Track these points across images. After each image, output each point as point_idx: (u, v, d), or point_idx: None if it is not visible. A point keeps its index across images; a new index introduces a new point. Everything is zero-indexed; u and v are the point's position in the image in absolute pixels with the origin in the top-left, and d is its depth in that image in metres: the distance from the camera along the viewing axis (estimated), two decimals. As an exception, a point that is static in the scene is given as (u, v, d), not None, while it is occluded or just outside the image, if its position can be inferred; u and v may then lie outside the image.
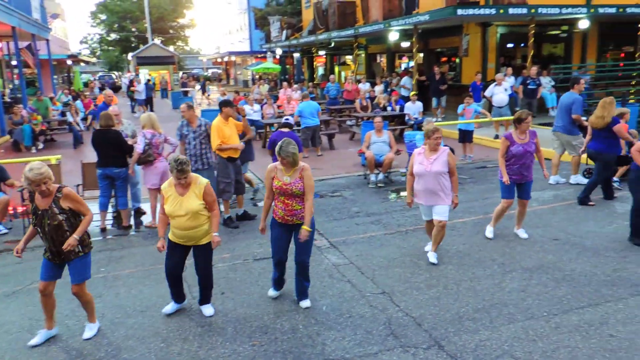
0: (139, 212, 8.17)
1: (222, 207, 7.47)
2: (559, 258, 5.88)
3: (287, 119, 8.39)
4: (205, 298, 4.91)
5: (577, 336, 4.30)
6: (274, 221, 4.86)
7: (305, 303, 4.95)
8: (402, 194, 9.05)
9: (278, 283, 5.15)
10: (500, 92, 13.39)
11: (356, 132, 14.61)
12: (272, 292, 5.19)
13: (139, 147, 7.22)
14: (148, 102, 24.36)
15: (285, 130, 8.00)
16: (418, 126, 13.17)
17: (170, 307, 4.91)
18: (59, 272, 4.42)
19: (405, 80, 18.29)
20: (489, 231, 6.66)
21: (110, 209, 7.74)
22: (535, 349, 4.14)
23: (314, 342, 4.35)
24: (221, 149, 7.21)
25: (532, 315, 4.67)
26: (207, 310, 4.87)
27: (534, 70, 14.90)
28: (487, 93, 14.11)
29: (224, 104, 7.40)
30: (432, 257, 5.90)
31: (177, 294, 4.89)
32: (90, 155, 7.50)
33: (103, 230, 7.41)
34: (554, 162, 9.33)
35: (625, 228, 6.64)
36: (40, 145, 15.01)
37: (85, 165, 7.92)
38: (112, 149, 7.16)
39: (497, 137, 13.00)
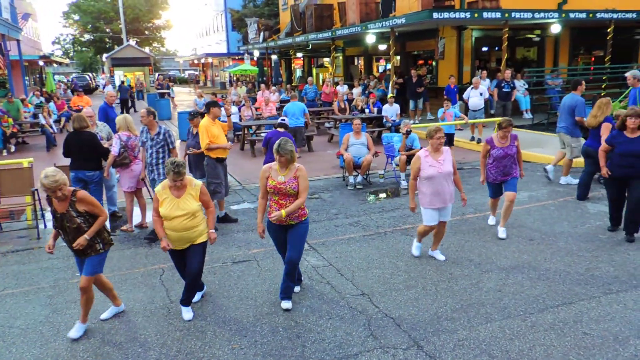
0: (114, 216, 8.03)
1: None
2: (534, 258, 5.99)
3: (282, 120, 8.74)
4: (188, 298, 4.85)
5: (552, 334, 4.39)
6: (269, 223, 4.85)
7: (286, 304, 4.92)
8: (381, 195, 9.12)
9: (287, 291, 5.02)
10: (475, 95, 13.54)
11: (334, 134, 14.66)
12: (286, 304, 4.96)
13: (114, 150, 7.10)
14: (123, 104, 24.21)
15: (281, 130, 8.39)
16: (396, 128, 13.28)
17: (187, 312, 4.87)
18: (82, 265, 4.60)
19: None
20: (491, 219, 7.20)
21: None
22: (512, 348, 4.21)
23: (294, 345, 4.33)
24: (210, 148, 7.26)
25: (509, 314, 4.75)
26: (187, 314, 4.82)
27: (508, 73, 15.15)
28: (464, 95, 14.29)
29: (211, 104, 7.48)
30: (439, 255, 6.09)
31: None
32: (63, 158, 7.33)
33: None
34: (565, 162, 9.34)
35: (597, 228, 6.81)
36: (12, 148, 14.64)
37: (59, 168, 7.72)
38: (86, 151, 7.03)
39: (473, 139, 13.16)
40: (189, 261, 4.70)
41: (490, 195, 6.98)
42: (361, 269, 5.86)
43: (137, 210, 7.62)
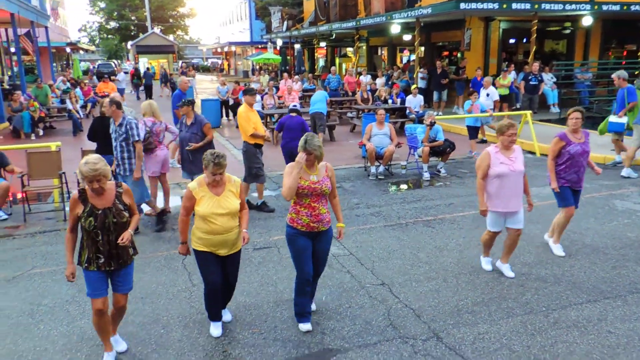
0: (138, 200, 8.15)
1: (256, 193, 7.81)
2: (559, 254, 5.89)
3: (294, 105, 8.76)
4: (225, 303, 4.56)
5: (575, 332, 4.32)
6: (295, 232, 4.24)
7: (305, 326, 4.43)
8: (402, 186, 9.07)
9: (305, 314, 4.42)
10: (482, 96, 13.03)
11: (357, 124, 14.60)
12: (305, 326, 4.40)
13: (139, 135, 7.17)
14: (148, 90, 24.73)
15: (294, 115, 8.48)
16: (419, 119, 13.16)
17: (217, 329, 4.37)
18: (107, 282, 3.91)
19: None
20: (557, 249, 5.94)
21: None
22: (534, 343, 4.16)
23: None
24: (255, 135, 7.44)
25: (531, 309, 4.69)
26: (225, 316, 4.55)
27: (535, 66, 14.87)
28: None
29: (246, 91, 7.67)
30: (508, 270, 5.38)
31: (218, 311, 4.39)
32: (90, 142, 7.45)
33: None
34: (629, 154, 9.27)
35: (624, 226, 6.67)
36: (41, 132, 14.96)
37: (86, 152, 7.87)
38: (111, 137, 7.12)
39: (484, 141, 12.58)
40: (230, 271, 4.29)
41: (563, 204, 5.75)
42: (381, 259, 5.85)
43: (160, 195, 7.72)
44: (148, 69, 30.30)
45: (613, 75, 9.98)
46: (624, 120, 9.66)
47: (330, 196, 4.37)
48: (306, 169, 4.21)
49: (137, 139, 6.49)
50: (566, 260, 5.70)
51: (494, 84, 15.38)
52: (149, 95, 25.88)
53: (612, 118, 9.91)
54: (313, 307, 4.63)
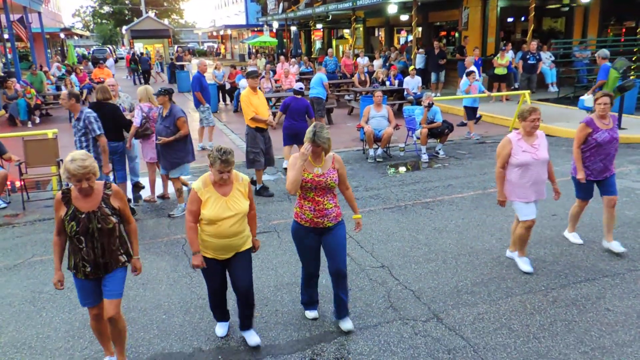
0: (137, 187, 8.15)
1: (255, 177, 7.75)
2: (557, 233, 5.91)
3: (300, 87, 8.74)
4: (246, 320, 4.00)
5: (574, 310, 4.36)
6: (299, 227, 4.04)
7: (347, 324, 4.13)
8: (401, 168, 9.06)
9: (312, 302, 4.39)
10: (443, 77, 12.85)
11: (354, 106, 14.53)
12: (311, 314, 4.38)
13: (136, 121, 7.15)
14: (145, 75, 24.84)
15: (298, 96, 8.52)
16: (417, 101, 13.09)
17: (222, 328, 4.17)
18: (99, 289, 3.56)
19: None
20: (574, 237, 5.72)
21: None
22: (533, 322, 4.20)
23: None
24: (255, 119, 7.41)
25: (530, 289, 4.72)
26: (253, 338, 3.98)
27: (534, 44, 14.75)
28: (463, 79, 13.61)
29: (249, 74, 7.65)
30: (526, 265, 5.07)
31: (224, 313, 4.16)
32: (87, 129, 7.40)
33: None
34: None
35: (623, 204, 6.68)
36: (37, 120, 14.88)
37: (83, 139, 7.84)
38: (109, 123, 7.07)
39: (463, 124, 12.33)
40: (237, 274, 3.84)
41: (580, 196, 5.51)
42: (381, 241, 5.87)
43: (159, 181, 7.72)
44: (142, 53, 30.27)
45: (597, 54, 10.03)
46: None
47: (342, 188, 4.10)
48: (311, 161, 3.92)
49: (97, 133, 6.16)
50: (564, 240, 5.72)
51: (492, 63, 15.32)
52: (146, 80, 26.10)
53: (584, 96, 10.01)
54: (349, 325, 4.13)
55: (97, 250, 3.40)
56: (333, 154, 4.04)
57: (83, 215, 3.35)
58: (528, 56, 14.65)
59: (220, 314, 4.14)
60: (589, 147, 5.24)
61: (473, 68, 12.38)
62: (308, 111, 8.52)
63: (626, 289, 4.68)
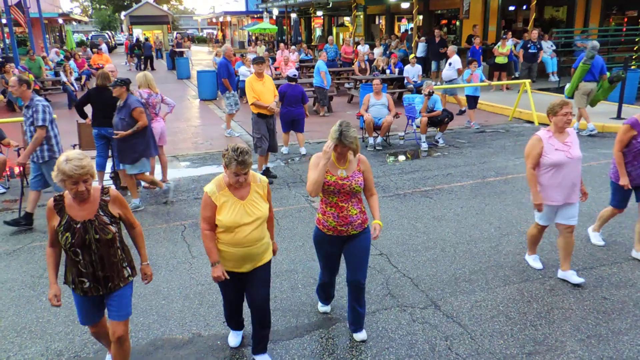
0: (136, 173, 8.14)
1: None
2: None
3: (294, 74, 8.79)
4: (261, 343, 3.62)
5: (571, 298, 4.39)
6: (321, 234, 3.72)
7: (361, 335, 3.89)
8: (400, 157, 9.05)
9: (327, 299, 4.23)
10: (446, 65, 12.80)
11: (354, 94, 14.48)
12: (322, 308, 4.28)
13: (135, 107, 7.10)
14: (147, 61, 26.40)
15: (293, 83, 8.61)
16: (417, 89, 13.05)
17: (236, 338, 3.88)
18: (102, 305, 3.28)
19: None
20: (595, 237, 5.44)
21: (108, 170, 7.71)
22: (530, 310, 4.23)
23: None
24: (256, 104, 7.43)
25: (528, 277, 4.75)
26: None
27: (535, 33, 14.67)
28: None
29: (254, 60, 7.63)
30: (574, 276, 4.58)
31: (238, 322, 3.86)
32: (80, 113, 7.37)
33: (101, 190, 7.37)
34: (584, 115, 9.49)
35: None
36: (34, 105, 14.81)
37: (81, 125, 7.82)
38: (109, 109, 7.05)
39: (460, 112, 12.41)
40: (255, 289, 3.46)
41: (615, 204, 5.10)
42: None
43: (158, 168, 7.71)
44: (147, 39, 30.42)
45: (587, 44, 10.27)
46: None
47: (367, 193, 3.74)
48: (335, 162, 3.57)
49: (40, 123, 5.72)
50: (563, 229, 5.74)
51: (493, 52, 15.25)
52: (150, 65, 26.69)
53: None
54: (363, 336, 3.90)
55: (95, 264, 3.05)
56: (359, 155, 3.65)
57: (78, 225, 3.00)
58: (529, 45, 14.57)
59: (235, 323, 3.83)
60: (632, 151, 4.78)
61: (455, 58, 12.38)
62: (303, 97, 8.68)
63: (623, 277, 4.71)
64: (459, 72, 12.42)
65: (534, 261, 4.96)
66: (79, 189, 2.94)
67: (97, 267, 3.07)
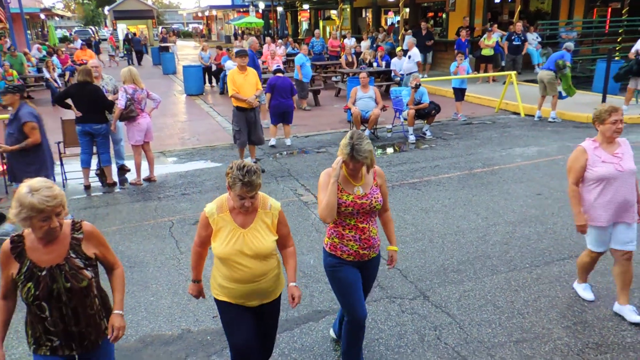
0: (123, 170, 8.08)
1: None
2: (542, 212, 5.99)
3: (278, 66, 9.05)
4: None
5: (557, 286, 4.44)
6: (339, 262, 3.15)
7: None
8: (388, 149, 9.08)
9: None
10: (406, 58, 12.92)
11: (342, 88, 14.46)
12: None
13: (120, 103, 7.05)
14: (138, 55, 27.07)
15: (280, 75, 8.85)
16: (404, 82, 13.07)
17: None
18: None
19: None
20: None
21: (94, 167, 7.64)
22: (517, 299, 4.27)
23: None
24: (235, 97, 7.48)
25: (515, 266, 4.79)
26: None
27: (519, 25, 14.76)
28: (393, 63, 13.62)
29: (237, 53, 7.73)
30: (633, 314, 3.91)
31: None
32: (69, 111, 7.28)
33: (87, 187, 7.31)
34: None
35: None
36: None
37: (65, 122, 7.72)
38: (91, 104, 6.97)
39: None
40: (265, 330, 3.05)
41: None
42: (368, 222, 5.89)
43: (145, 164, 7.64)
44: (135, 34, 30.43)
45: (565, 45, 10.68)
46: None
47: (382, 209, 3.23)
48: (348, 178, 3.08)
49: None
50: (549, 218, 5.80)
51: (479, 45, 15.31)
52: (138, 60, 26.72)
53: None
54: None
55: (68, 318, 2.44)
56: (374, 167, 3.15)
57: (44, 273, 2.37)
58: (513, 37, 14.67)
59: None
60: None
61: (414, 51, 12.48)
62: (292, 89, 8.94)
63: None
64: (419, 64, 12.67)
65: (583, 291, 4.28)
66: (52, 226, 2.32)
67: (71, 322, 2.45)
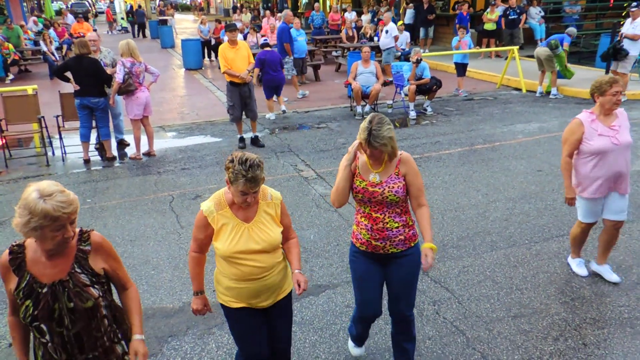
0: (122, 144, 8.04)
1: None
2: (542, 189, 5.99)
3: (265, 40, 9.17)
4: None
5: (556, 262, 4.47)
6: (356, 250, 3.01)
7: None
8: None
9: (361, 340, 3.34)
10: (383, 33, 12.71)
11: (342, 63, 14.31)
12: (355, 351, 3.39)
13: (118, 77, 6.96)
14: (140, 28, 27.50)
15: (268, 49, 8.85)
16: (405, 57, 12.91)
17: None
18: None
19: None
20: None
21: (93, 141, 7.60)
22: (516, 274, 4.30)
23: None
24: (228, 73, 7.45)
25: (514, 242, 4.81)
26: None
27: (513, 0, 14.58)
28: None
29: (226, 28, 7.75)
30: (609, 273, 4.15)
31: None
32: (68, 85, 7.21)
33: (87, 161, 7.29)
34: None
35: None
36: (11, 76, 14.45)
37: (64, 95, 7.65)
38: (89, 78, 6.89)
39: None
40: (277, 331, 2.82)
41: None
42: (368, 197, 5.89)
43: (144, 139, 7.60)
44: (140, 6, 30.19)
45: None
46: None
47: (413, 203, 2.91)
48: (368, 164, 2.85)
49: None
50: (549, 195, 5.81)
51: (482, 19, 15.09)
52: (142, 33, 27.73)
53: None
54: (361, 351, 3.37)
55: (70, 346, 2.12)
56: (401, 154, 2.86)
57: (45, 290, 2.06)
58: (508, 12, 14.50)
59: None
60: None
61: (391, 25, 12.30)
62: (281, 61, 9.06)
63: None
64: (396, 39, 12.53)
65: (577, 266, 4.30)
66: (66, 235, 2.01)
67: (73, 350, 2.13)
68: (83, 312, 2.10)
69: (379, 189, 2.80)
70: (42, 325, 2.06)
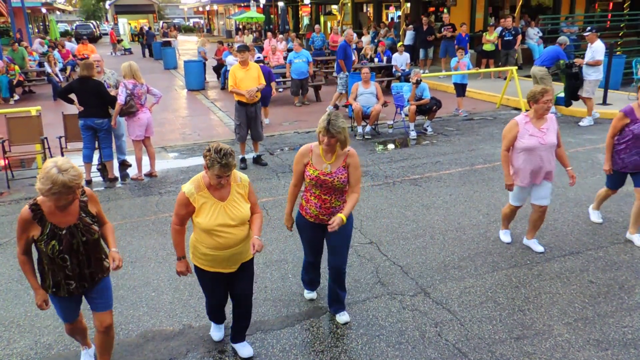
0: (124, 165, 8.07)
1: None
2: (543, 208, 5.98)
3: (258, 57, 9.74)
4: (241, 332, 3.67)
5: (558, 283, 4.45)
6: (304, 220, 3.81)
7: (343, 317, 3.98)
8: (389, 145, 9.07)
9: (312, 284, 4.28)
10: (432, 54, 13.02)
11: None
12: (308, 294, 4.32)
13: (120, 98, 7.03)
14: (150, 49, 28.37)
15: (261, 64, 9.09)
16: (405, 78, 13.03)
17: (219, 332, 3.83)
18: (81, 300, 3.31)
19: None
20: (595, 215, 5.64)
21: (95, 161, 7.64)
22: (518, 295, 4.28)
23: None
24: (234, 92, 7.56)
25: (516, 263, 4.80)
26: (246, 350, 3.63)
27: (508, 21, 14.79)
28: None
29: (237, 49, 7.82)
30: (536, 245, 5.03)
31: (222, 317, 3.81)
32: (71, 106, 7.28)
33: (89, 182, 7.32)
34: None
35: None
36: (16, 97, 14.57)
37: (67, 116, 7.72)
38: (93, 99, 6.96)
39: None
40: (240, 284, 3.48)
41: (609, 185, 5.32)
42: (369, 218, 5.90)
43: (146, 159, 7.64)
44: (150, 28, 31.27)
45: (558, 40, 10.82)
46: None
47: (349, 190, 3.66)
48: (322, 155, 3.57)
49: None
50: (550, 214, 5.79)
51: (480, 40, 15.26)
52: (150, 54, 28.34)
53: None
54: (346, 318, 4.00)
55: (82, 265, 3.07)
56: (349, 149, 3.59)
57: (64, 231, 2.95)
58: (504, 33, 14.68)
59: (219, 317, 3.79)
60: (625, 139, 4.92)
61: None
62: (270, 75, 9.36)
63: (609, 261, 4.77)
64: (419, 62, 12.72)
65: (504, 235, 5.27)
66: (74, 198, 2.91)
67: (84, 266, 3.08)
68: (92, 243, 3.06)
69: (330, 178, 3.55)
70: (65, 256, 2.97)
